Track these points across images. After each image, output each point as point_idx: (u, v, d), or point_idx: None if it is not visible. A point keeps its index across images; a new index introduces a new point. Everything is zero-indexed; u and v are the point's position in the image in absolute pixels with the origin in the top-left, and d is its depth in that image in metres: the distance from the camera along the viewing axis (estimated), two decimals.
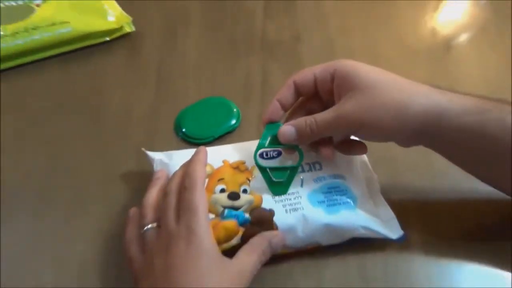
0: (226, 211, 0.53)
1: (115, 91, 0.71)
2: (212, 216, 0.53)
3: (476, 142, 0.50)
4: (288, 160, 0.56)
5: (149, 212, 0.52)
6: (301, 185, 0.56)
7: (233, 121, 0.67)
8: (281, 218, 0.53)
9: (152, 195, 0.54)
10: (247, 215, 0.52)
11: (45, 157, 0.65)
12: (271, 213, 0.53)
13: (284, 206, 0.54)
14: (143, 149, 0.59)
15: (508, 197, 0.54)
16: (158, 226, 0.50)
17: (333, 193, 0.56)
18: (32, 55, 0.74)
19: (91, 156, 0.65)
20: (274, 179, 0.55)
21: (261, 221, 0.53)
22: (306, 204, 0.54)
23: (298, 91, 0.55)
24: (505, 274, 0.56)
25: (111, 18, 0.77)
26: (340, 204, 0.55)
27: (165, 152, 0.60)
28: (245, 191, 0.54)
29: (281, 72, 0.72)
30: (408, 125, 0.50)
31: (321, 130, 0.53)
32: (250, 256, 0.49)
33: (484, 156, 0.51)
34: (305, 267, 0.55)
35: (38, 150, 0.66)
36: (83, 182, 0.63)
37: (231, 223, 0.52)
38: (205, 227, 0.48)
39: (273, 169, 0.55)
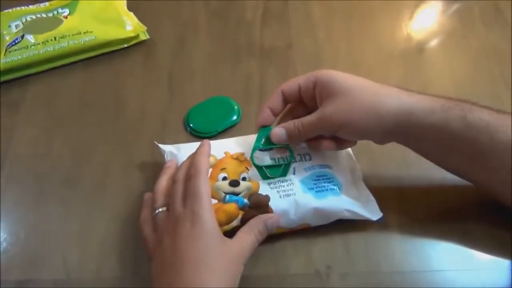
0: (227, 196, 0.52)
1: (132, 91, 0.70)
2: (215, 201, 0.52)
3: (441, 137, 0.49)
4: (280, 158, 0.56)
5: (160, 197, 0.51)
6: (293, 173, 0.55)
7: (235, 117, 0.66)
8: (276, 202, 0.53)
9: (163, 182, 0.53)
10: (246, 200, 0.52)
11: (70, 149, 0.65)
12: (267, 198, 0.53)
13: (278, 192, 0.53)
14: (155, 142, 0.59)
15: (471, 184, 0.54)
16: (168, 210, 0.50)
17: (321, 180, 0.55)
18: (60, 60, 0.74)
19: (110, 148, 0.64)
20: (269, 175, 0.54)
21: (258, 205, 0.52)
22: (298, 190, 0.53)
23: (286, 98, 0.55)
24: (471, 251, 0.55)
25: (129, 28, 0.76)
26: (327, 190, 0.54)
27: (174, 145, 0.59)
28: (244, 179, 0.54)
29: (276, 74, 0.72)
30: (381, 125, 0.50)
31: (307, 131, 0.53)
32: (248, 236, 0.49)
33: (447, 148, 0.50)
34: (296, 245, 0.54)
35: (65, 144, 0.65)
36: (103, 171, 0.62)
37: (231, 206, 0.51)
38: (208, 211, 0.47)
39: (268, 167, 0.55)
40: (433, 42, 0.76)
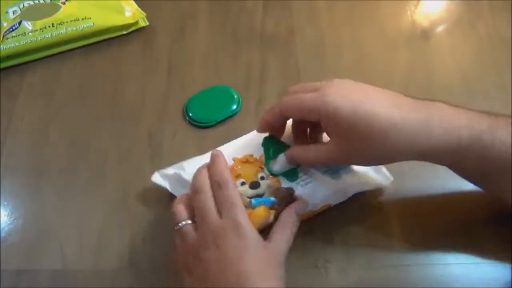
0: (253, 200, 0.50)
1: (131, 79, 0.70)
2: None
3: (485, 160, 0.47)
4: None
5: (182, 210, 0.49)
6: None
7: (234, 106, 0.65)
8: (300, 192, 0.53)
9: (183, 196, 0.51)
10: (272, 198, 0.51)
11: (69, 138, 0.64)
12: (291, 190, 0.52)
13: (298, 183, 0.53)
14: (152, 180, 0.56)
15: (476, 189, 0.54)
16: (193, 222, 0.48)
17: None
18: (58, 47, 0.73)
19: (109, 137, 0.64)
20: (288, 180, 0.54)
21: (285, 198, 0.52)
22: (316, 176, 0.54)
23: (285, 117, 0.53)
24: (472, 245, 0.55)
25: (128, 14, 0.74)
26: (340, 169, 0.55)
27: (175, 165, 0.56)
28: (262, 178, 0.53)
29: (277, 62, 0.70)
30: (420, 157, 0.48)
31: (325, 163, 0.53)
32: (283, 235, 0.48)
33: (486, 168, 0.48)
34: (294, 240, 0.51)
35: (63, 132, 0.65)
36: (101, 160, 0.62)
37: (260, 209, 0.50)
38: (247, 219, 0.46)
39: (284, 173, 0.54)
40: (439, 29, 0.74)
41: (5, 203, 0.59)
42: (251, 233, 0.46)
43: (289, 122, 0.54)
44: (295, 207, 0.50)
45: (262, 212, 0.49)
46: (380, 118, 0.45)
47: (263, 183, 0.52)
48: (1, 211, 0.58)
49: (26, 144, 0.64)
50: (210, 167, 0.50)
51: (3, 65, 0.71)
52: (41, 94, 0.68)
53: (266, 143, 0.54)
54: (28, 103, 0.68)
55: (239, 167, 0.53)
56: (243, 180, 0.52)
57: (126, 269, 0.53)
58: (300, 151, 0.52)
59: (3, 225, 0.57)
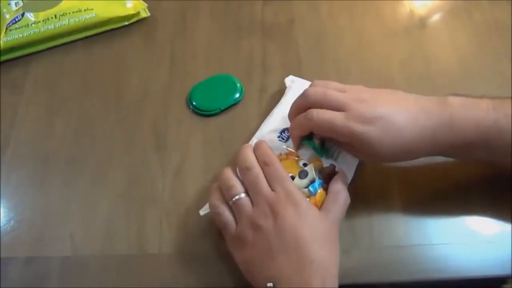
0: (310, 188, 0.51)
1: (134, 70, 0.70)
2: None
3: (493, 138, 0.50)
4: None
5: (236, 184, 0.50)
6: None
7: (237, 95, 0.66)
8: (337, 166, 0.55)
9: (229, 170, 0.52)
10: (319, 180, 0.52)
11: (73, 129, 0.65)
12: (333, 166, 0.54)
13: (333, 157, 0.55)
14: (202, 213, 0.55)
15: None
16: (247, 195, 0.49)
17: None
18: (61, 38, 0.73)
19: (112, 128, 0.64)
20: (326, 158, 0.56)
21: (330, 176, 0.53)
22: (339, 150, 0.56)
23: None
24: (472, 225, 0.56)
25: (129, 5, 0.75)
26: None
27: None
28: (305, 164, 0.53)
29: (279, 50, 0.71)
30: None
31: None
32: (335, 205, 0.50)
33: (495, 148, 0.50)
34: None
35: (67, 123, 0.65)
36: (105, 151, 0.62)
37: (320, 193, 0.52)
38: (298, 189, 0.49)
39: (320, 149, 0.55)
40: (436, 18, 0.75)
41: (13, 193, 0.59)
42: (305, 201, 0.48)
43: None
44: (338, 179, 0.52)
45: (324, 195, 0.51)
46: (405, 139, 0.48)
47: (309, 169, 0.53)
48: (9, 201, 0.59)
49: (31, 136, 0.64)
50: (255, 150, 0.52)
51: (7, 57, 0.71)
52: (45, 86, 0.69)
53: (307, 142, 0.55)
54: (33, 94, 0.68)
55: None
56: (291, 174, 0.52)
57: (135, 255, 0.54)
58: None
59: (12, 214, 0.58)
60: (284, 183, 0.48)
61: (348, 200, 0.51)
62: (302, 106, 0.52)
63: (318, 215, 0.48)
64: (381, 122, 0.48)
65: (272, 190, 0.48)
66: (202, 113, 0.65)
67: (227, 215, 0.50)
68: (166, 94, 0.67)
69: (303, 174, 0.52)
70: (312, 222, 0.47)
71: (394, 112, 0.48)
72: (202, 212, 0.54)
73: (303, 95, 0.52)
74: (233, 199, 0.49)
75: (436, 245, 0.54)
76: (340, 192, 0.51)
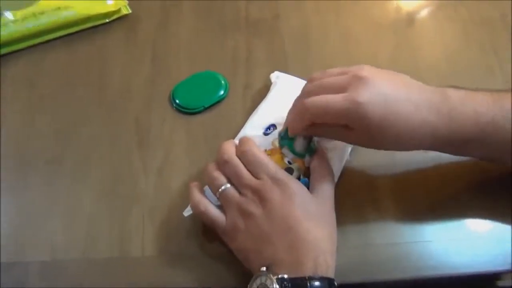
0: None
1: (115, 67, 0.68)
2: None
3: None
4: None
5: (219, 176, 0.50)
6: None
7: (222, 92, 0.64)
8: (328, 153, 0.54)
9: (213, 165, 0.52)
10: (305, 178, 0.52)
11: (54, 128, 0.63)
12: None
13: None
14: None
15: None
16: (232, 185, 0.49)
17: None
18: (40, 37, 0.71)
19: (95, 125, 0.63)
20: (309, 156, 0.53)
21: None
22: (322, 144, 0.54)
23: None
24: (464, 221, 0.55)
25: (110, 2, 0.73)
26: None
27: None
28: (289, 162, 0.52)
29: (264, 47, 0.70)
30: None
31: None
32: (323, 182, 0.49)
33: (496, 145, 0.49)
34: None
35: (49, 123, 0.64)
36: (88, 148, 0.61)
37: None
38: (283, 171, 0.48)
39: (307, 151, 0.53)
40: (423, 13, 0.74)
41: None
42: (292, 182, 0.47)
43: None
44: (318, 156, 0.51)
45: None
46: (405, 128, 0.46)
47: (294, 167, 0.52)
48: None
49: (12, 135, 0.62)
50: (237, 146, 0.52)
51: None
52: (25, 84, 0.67)
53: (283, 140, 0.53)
54: (12, 94, 0.66)
55: None
56: None
57: (116, 258, 0.53)
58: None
59: None
60: (266, 168, 0.48)
61: (333, 175, 0.50)
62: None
63: (307, 194, 0.48)
64: (381, 102, 0.45)
65: (255, 177, 0.48)
66: (185, 111, 0.63)
67: (212, 210, 0.49)
68: (149, 92, 0.66)
69: (288, 171, 0.51)
70: (302, 201, 0.47)
71: (396, 96, 0.46)
72: (186, 213, 0.53)
73: (301, 93, 0.51)
74: (219, 190, 0.49)
75: (428, 242, 0.54)
76: (322, 168, 0.50)
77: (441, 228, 0.54)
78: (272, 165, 0.48)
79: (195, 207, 0.50)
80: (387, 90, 0.46)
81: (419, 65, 0.67)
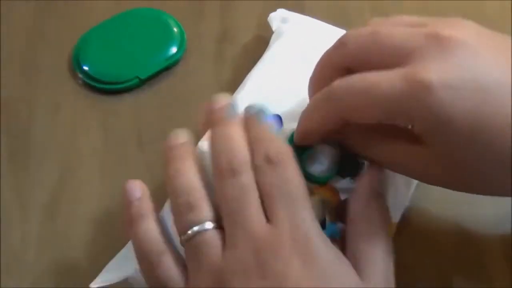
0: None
1: None
2: None
3: None
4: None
5: (202, 203, 0.33)
6: None
7: (173, 49, 0.44)
8: None
9: (191, 176, 0.33)
10: (338, 223, 0.35)
11: None
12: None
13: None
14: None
15: None
16: (219, 228, 0.32)
17: None
18: None
19: None
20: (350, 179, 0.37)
21: None
22: None
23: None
24: None
25: None
26: None
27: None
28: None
29: None
30: None
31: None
32: (375, 265, 0.33)
33: None
34: None
35: None
36: None
37: None
38: (318, 226, 0.32)
39: (337, 172, 0.36)
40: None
41: None
42: (323, 251, 0.31)
43: None
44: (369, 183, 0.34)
45: None
46: None
47: (315, 202, 0.35)
48: None
49: None
50: (248, 129, 0.35)
51: None
52: None
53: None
54: None
55: None
56: None
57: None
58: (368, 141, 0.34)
59: None
60: (296, 206, 0.31)
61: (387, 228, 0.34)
62: (334, 67, 0.34)
63: (341, 263, 0.32)
64: (476, 91, 0.29)
65: (269, 219, 0.31)
66: (102, 86, 0.43)
67: (169, 266, 0.33)
68: (31, 51, 0.45)
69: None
70: (331, 277, 0.31)
71: (497, 86, 0.30)
72: (94, 285, 0.36)
73: (337, 44, 0.34)
74: (190, 231, 0.32)
75: None
76: (373, 214, 0.33)
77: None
78: (307, 207, 0.31)
79: (142, 257, 0.33)
80: (490, 68, 0.30)
81: None
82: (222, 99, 0.35)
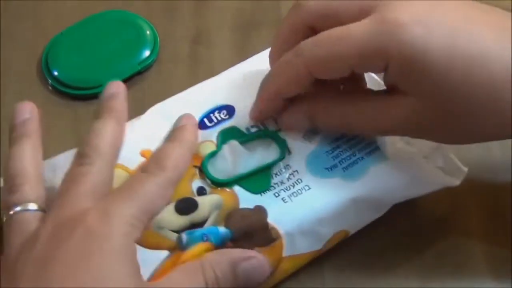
0: (184, 236, 0.32)
1: None
2: (164, 253, 0.32)
3: None
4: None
5: (26, 183, 0.32)
6: (289, 153, 0.36)
7: (146, 53, 0.42)
8: (280, 215, 0.33)
9: (27, 154, 0.32)
10: (222, 228, 0.32)
11: None
12: (261, 212, 0.33)
13: (277, 194, 0.34)
14: None
15: None
16: (42, 211, 0.31)
17: (343, 146, 0.36)
18: None
19: None
20: (251, 192, 0.34)
21: (250, 230, 0.33)
22: (310, 179, 0.35)
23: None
24: None
25: None
26: (363, 159, 0.36)
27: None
28: (201, 189, 0.33)
29: None
30: None
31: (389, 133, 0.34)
32: (190, 279, 0.30)
33: None
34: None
35: None
36: None
37: (200, 248, 0.31)
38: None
39: (242, 178, 0.34)
40: None
41: None
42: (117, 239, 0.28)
43: None
44: (239, 259, 0.31)
45: (201, 253, 0.32)
46: (494, 66, 0.29)
47: (204, 201, 0.33)
48: None
49: None
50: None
51: None
52: None
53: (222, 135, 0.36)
54: None
55: None
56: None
57: None
58: (328, 109, 0.34)
59: None
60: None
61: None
62: (297, 28, 0.33)
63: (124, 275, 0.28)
64: (445, 32, 0.30)
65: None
66: (72, 92, 0.41)
67: (26, 195, 0.33)
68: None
69: (184, 207, 0.33)
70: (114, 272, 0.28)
71: (465, 24, 0.30)
72: None
73: (295, 5, 0.34)
74: (12, 211, 0.31)
75: None
76: (212, 269, 0.31)
77: None
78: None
79: (7, 179, 0.32)
80: (458, 7, 0.31)
81: None
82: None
